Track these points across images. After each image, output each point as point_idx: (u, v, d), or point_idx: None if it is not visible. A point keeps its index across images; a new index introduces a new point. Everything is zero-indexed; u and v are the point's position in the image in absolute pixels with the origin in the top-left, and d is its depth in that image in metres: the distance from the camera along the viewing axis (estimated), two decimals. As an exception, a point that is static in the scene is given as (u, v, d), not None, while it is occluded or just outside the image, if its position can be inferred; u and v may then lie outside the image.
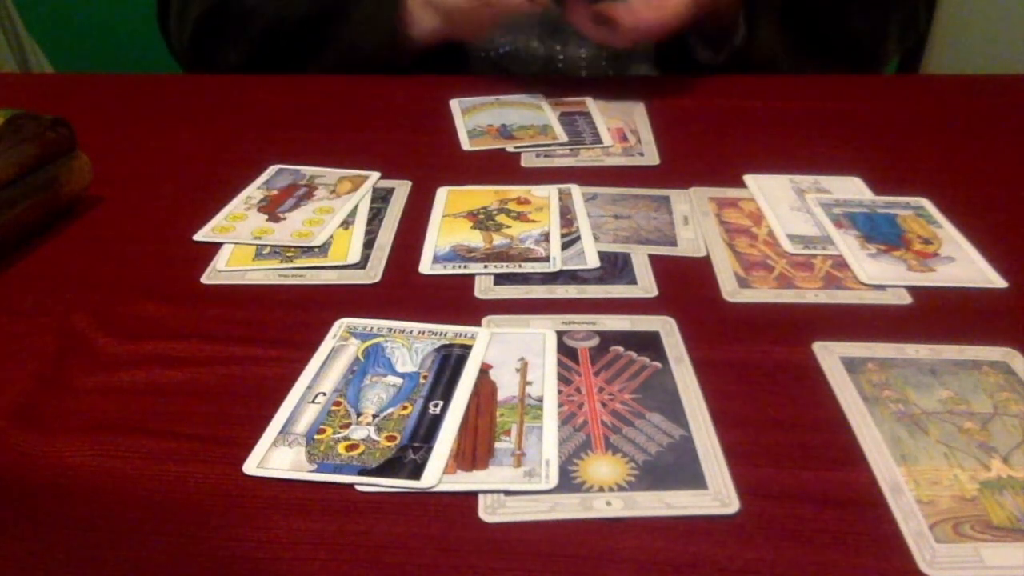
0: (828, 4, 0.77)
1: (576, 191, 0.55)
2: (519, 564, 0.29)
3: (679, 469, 0.32)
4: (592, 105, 0.69)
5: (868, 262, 0.46)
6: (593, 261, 0.47)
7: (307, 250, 0.48)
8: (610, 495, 0.31)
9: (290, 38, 0.77)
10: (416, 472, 0.32)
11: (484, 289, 0.45)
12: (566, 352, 0.39)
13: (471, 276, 0.46)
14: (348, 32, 0.75)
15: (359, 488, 0.32)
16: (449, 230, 0.50)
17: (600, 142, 0.63)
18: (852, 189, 0.55)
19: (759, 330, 0.41)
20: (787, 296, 0.44)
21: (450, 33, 0.74)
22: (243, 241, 0.49)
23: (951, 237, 0.49)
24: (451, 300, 0.44)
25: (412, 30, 0.73)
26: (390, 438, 0.34)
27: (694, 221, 0.51)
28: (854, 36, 0.79)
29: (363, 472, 0.32)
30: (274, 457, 0.33)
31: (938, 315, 0.42)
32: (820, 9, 0.76)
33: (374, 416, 0.35)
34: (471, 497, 0.31)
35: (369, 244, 0.49)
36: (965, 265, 0.46)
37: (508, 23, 0.77)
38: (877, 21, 0.79)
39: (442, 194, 0.55)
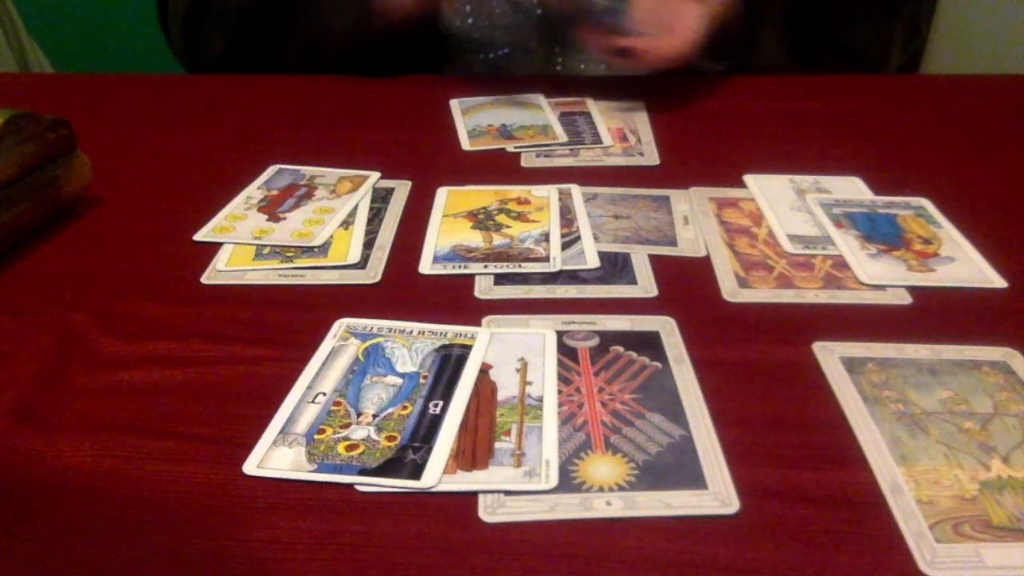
0: (832, 15, 0.77)
1: (576, 191, 0.55)
2: (519, 564, 0.29)
3: (679, 469, 0.32)
4: (592, 105, 0.69)
5: (868, 262, 0.46)
6: (593, 261, 0.47)
7: (307, 250, 0.48)
8: (610, 495, 0.31)
9: (262, 16, 0.76)
10: (416, 472, 0.32)
11: (484, 289, 0.45)
12: (566, 352, 0.39)
13: (471, 276, 0.46)
14: (319, 6, 0.74)
15: (359, 488, 0.32)
16: (449, 230, 0.50)
17: (600, 142, 0.63)
18: (852, 189, 0.55)
19: (759, 330, 0.41)
20: (787, 296, 0.44)
21: (423, 4, 0.72)
22: (243, 241, 0.49)
23: (951, 237, 0.49)
24: (451, 300, 0.44)
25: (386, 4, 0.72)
26: (390, 438, 0.34)
27: (694, 221, 0.51)
28: (859, 46, 0.79)
29: (363, 472, 0.32)
30: (274, 457, 0.33)
31: (938, 315, 0.42)
32: (824, 20, 0.76)
33: (374, 416, 0.35)
34: (471, 497, 0.31)
35: (369, 244, 0.49)
36: (965, 265, 0.46)
37: (508, 26, 0.77)
38: (882, 30, 0.78)
39: (442, 194, 0.55)
